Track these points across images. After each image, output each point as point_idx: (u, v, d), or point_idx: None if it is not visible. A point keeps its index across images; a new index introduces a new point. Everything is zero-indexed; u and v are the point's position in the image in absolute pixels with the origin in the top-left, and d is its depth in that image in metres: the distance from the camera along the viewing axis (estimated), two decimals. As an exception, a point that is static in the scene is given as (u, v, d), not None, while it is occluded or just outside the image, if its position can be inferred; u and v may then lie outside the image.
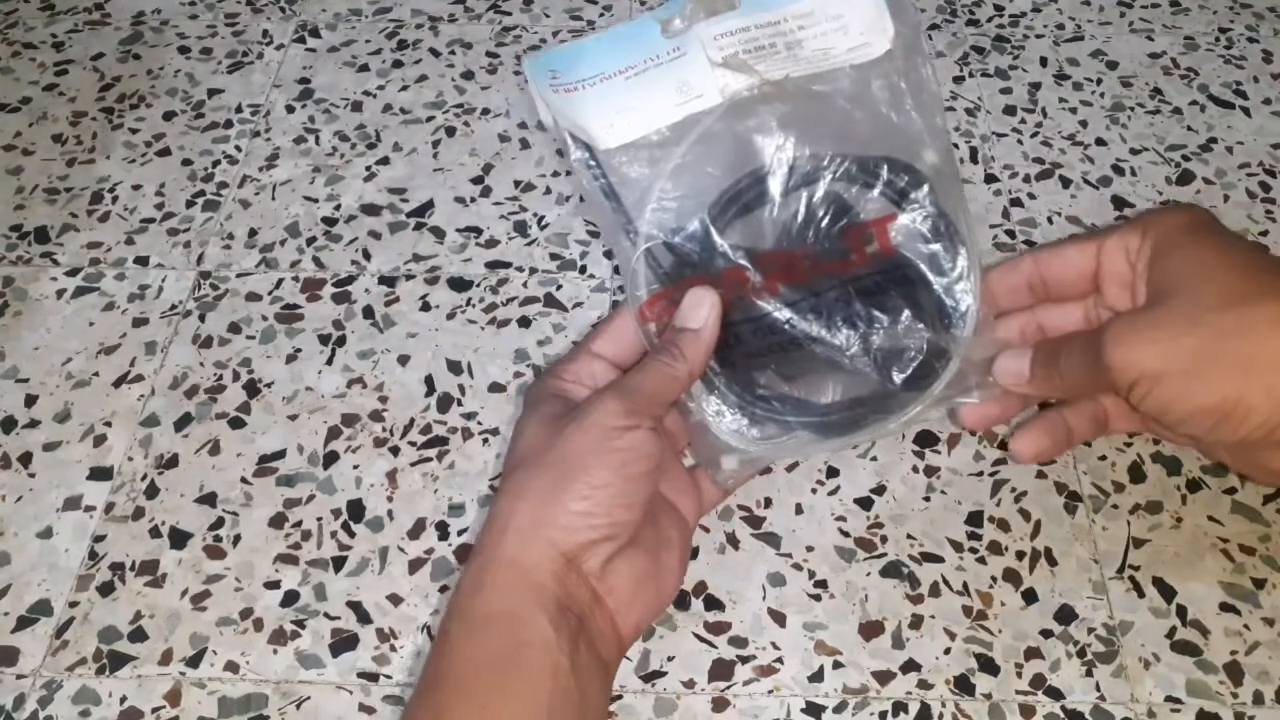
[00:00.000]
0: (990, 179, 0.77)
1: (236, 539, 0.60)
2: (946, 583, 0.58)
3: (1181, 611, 0.56)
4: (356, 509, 0.61)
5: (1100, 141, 0.79)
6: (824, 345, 0.45)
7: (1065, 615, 0.56)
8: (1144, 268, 0.42)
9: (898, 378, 0.46)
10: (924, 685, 0.54)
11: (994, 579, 0.58)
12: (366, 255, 0.73)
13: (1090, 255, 0.45)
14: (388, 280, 0.71)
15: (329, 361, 0.67)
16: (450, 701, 0.37)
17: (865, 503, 0.60)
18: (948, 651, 0.55)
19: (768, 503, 0.60)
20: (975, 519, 0.60)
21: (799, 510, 0.60)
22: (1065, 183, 0.76)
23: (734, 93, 0.43)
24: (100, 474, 0.62)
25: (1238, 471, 0.58)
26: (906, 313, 0.45)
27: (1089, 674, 0.54)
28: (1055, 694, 0.54)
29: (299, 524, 0.60)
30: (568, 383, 0.45)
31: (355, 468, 0.62)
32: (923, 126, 0.44)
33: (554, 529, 0.39)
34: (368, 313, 0.69)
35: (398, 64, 0.85)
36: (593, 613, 0.40)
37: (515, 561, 0.39)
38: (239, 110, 0.82)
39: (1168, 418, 0.40)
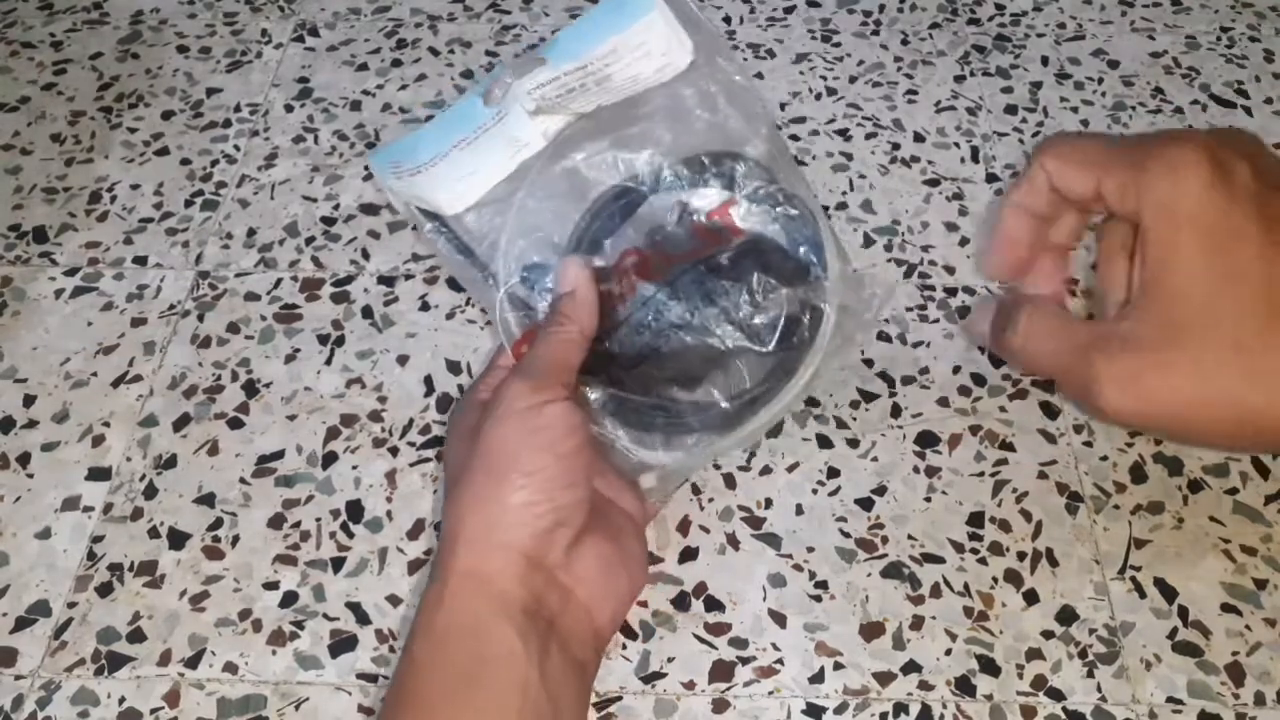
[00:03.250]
0: (991, 178, 0.76)
1: (235, 540, 0.59)
2: (947, 583, 0.57)
3: (1183, 612, 0.56)
4: (355, 509, 0.61)
5: (1101, 141, 0.79)
6: (693, 330, 0.46)
7: (1066, 616, 0.56)
8: (1140, 246, 0.37)
9: (770, 339, 0.46)
10: (925, 686, 0.54)
11: (995, 580, 0.58)
12: (365, 255, 0.72)
13: (1091, 185, 0.39)
14: (387, 280, 0.71)
15: (328, 361, 0.67)
16: None
17: (866, 503, 0.60)
18: (949, 652, 0.55)
19: (768, 503, 0.60)
20: (976, 519, 0.60)
21: (799, 511, 0.60)
22: (1066, 182, 0.76)
23: (555, 132, 0.46)
24: (99, 474, 0.62)
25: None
26: (758, 276, 0.46)
27: (1090, 675, 0.54)
28: (1056, 695, 0.53)
29: (298, 524, 0.60)
30: (482, 394, 0.45)
31: (354, 468, 0.62)
32: (743, 117, 0.47)
33: (502, 530, 0.38)
34: (367, 312, 0.69)
35: (397, 63, 0.85)
36: (564, 611, 0.39)
37: (473, 572, 0.37)
38: (237, 109, 0.82)
39: (1138, 428, 0.39)
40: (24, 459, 0.63)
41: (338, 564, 0.59)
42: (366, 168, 0.77)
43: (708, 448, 0.50)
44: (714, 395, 0.47)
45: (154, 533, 0.60)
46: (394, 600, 0.57)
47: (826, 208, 0.74)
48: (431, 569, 0.40)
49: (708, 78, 0.47)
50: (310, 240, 0.73)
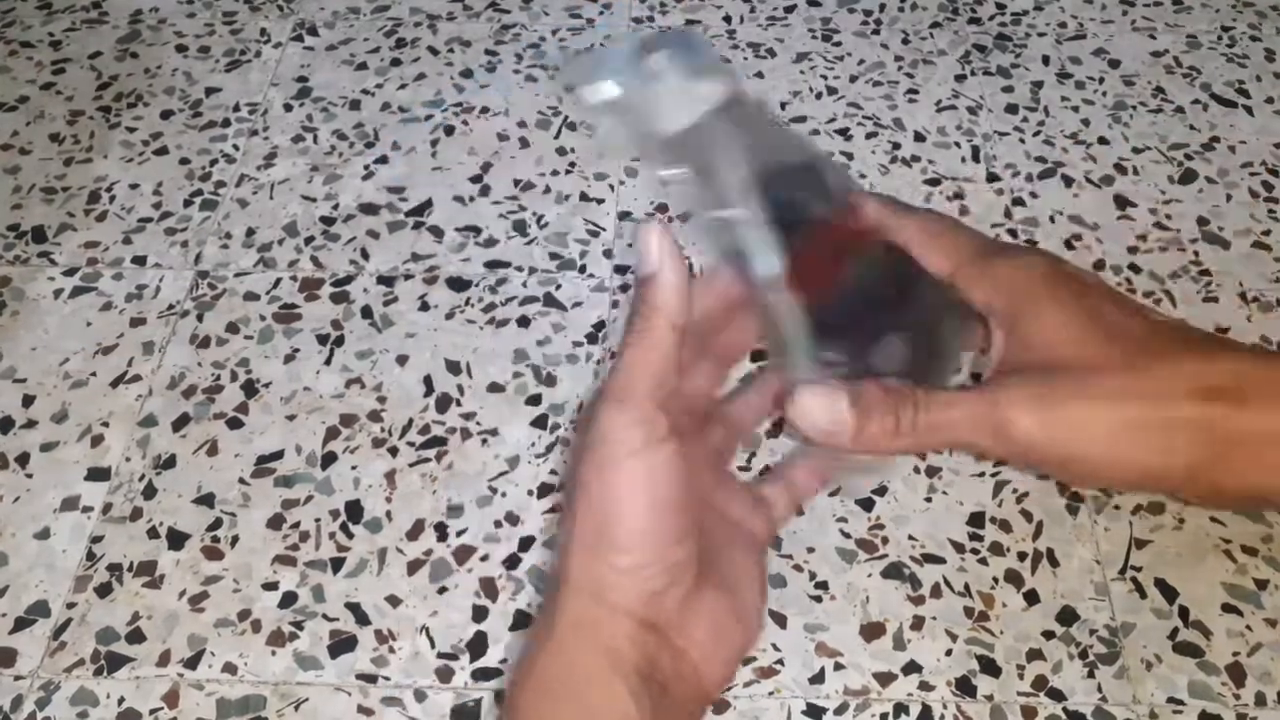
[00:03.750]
0: (992, 178, 0.76)
1: (235, 540, 0.59)
2: (948, 584, 0.57)
3: (1183, 613, 0.56)
4: (355, 510, 0.60)
5: (1102, 140, 0.79)
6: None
7: (1067, 616, 0.56)
8: (998, 325, 0.36)
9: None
10: (925, 687, 0.54)
11: (995, 580, 0.57)
12: (365, 255, 0.72)
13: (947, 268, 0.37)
14: (386, 280, 0.71)
15: (327, 361, 0.67)
16: None
17: (866, 503, 0.60)
18: (949, 653, 0.55)
19: (768, 503, 0.60)
20: (977, 520, 0.60)
21: (799, 511, 0.60)
22: (1068, 181, 0.76)
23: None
24: (98, 474, 0.62)
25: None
26: None
27: (1091, 675, 0.54)
28: (1057, 695, 0.53)
29: (297, 525, 0.60)
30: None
31: (354, 468, 0.62)
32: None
33: (610, 590, 0.35)
34: (366, 312, 0.69)
35: (396, 62, 0.85)
36: (677, 676, 0.35)
37: (584, 625, 0.35)
38: (237, 109, 0.82)
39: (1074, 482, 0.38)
40: (23, 459, 0.63)
41: (337, 564, 0.58)
42: (367, 167, 0.77)
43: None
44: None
45: (153, 533, 0.60)
46: (393, 601, 0.57)
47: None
48: (539, 611, 0.37)
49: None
50: (309, 240, 0.73)
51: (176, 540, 0.59)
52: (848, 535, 0.59)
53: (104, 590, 0.57)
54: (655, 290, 0.35)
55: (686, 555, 0.35)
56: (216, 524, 0.60)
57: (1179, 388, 0.33)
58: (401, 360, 0.67)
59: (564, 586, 0.35)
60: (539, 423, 0.64)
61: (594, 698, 0.34)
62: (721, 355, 0.41)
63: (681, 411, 0.37)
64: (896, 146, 0.78)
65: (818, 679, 0.54)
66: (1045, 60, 0.85)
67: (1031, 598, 0.57)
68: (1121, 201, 0.75)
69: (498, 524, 0.60)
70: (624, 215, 0.73)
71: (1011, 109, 0.81)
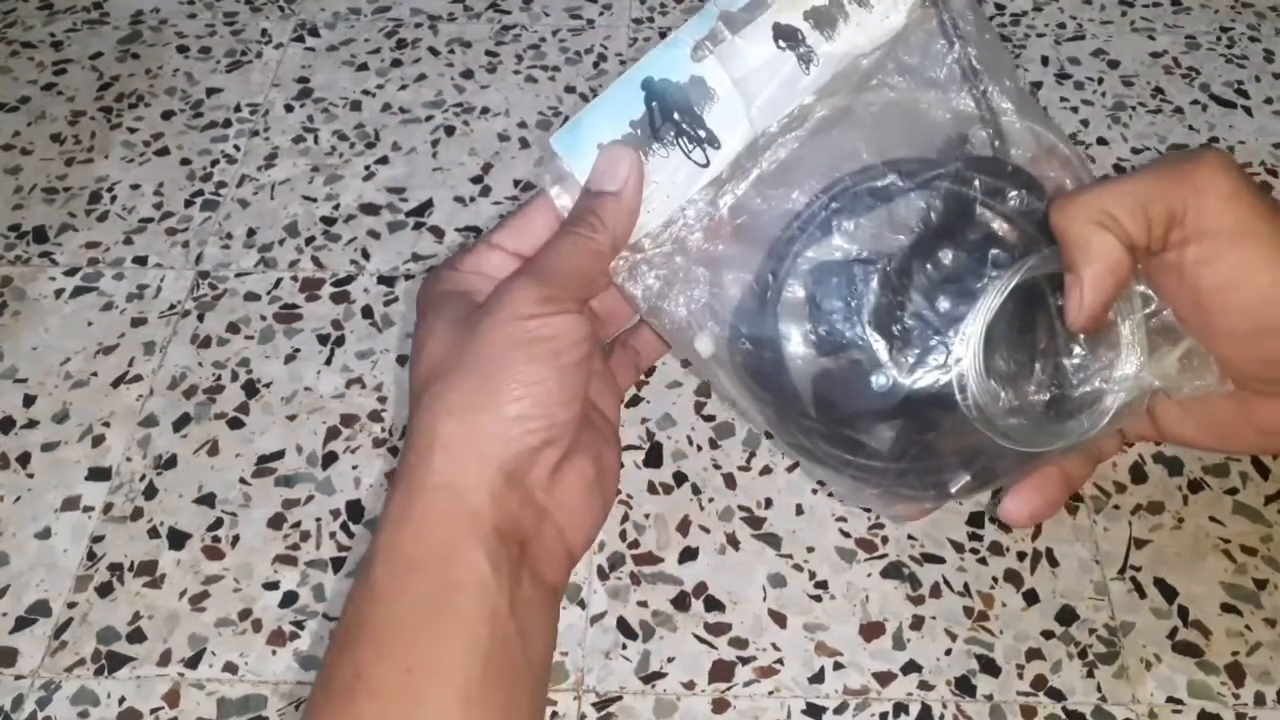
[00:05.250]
0: (991, 178, 0.76)
1: (235, 539, 0.59)
2: (947, 583, 0.57)
3: (1183, 612, 0.56)
4: (355, 509, 0.61)
5: (1102, 141, 0.79)
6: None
7: (1066, 616, 0.56)
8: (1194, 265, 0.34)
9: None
10: (925, 686, 0.54)
11: (995, 580, 0.58)
12: (365, 255, 0.72)
13: (1140, 221, 0.35)
14: (387, 280, 0.71)
15: (328, 361, 0.67)
16: (371, 660, 0.32)
17: (866, 503, 0.60)
18: (949, 652, 0.55)
19: (768, 503, 0.60)
20: (976, 519, 0.60)
21: (799, 511, 0.60)
22: (1066, 182, 0.76)
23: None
24: (99, 474, 0.62)
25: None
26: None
27: (1090, 675, 0.54)
28: (1057, 695, 0.53)
29: (298, 524, 0.60)
30: (465, 273, 0.38)
31: (354, 468, 0.62)
32: (985, 68, 0.37)
33: (489, 442, 0.34)
34: (367, 312, 0.69)
35: (397, 63, 0.85)
36: (538, 534, 0.35)
37: (447, 486, 0.34)
38: (238, 109, 0.82)
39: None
40: (24, 459, 0.63)
41: (338, 564, 0.59)
42: (367, 167, 0.77)
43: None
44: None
45: (154, 533, 0.60)
46: (394, 600, 0.57)
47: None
48: (396, 477, 0.35)
49: (928, 32, 0.37)
50: (310, 240, 0.73)
51: (177, 540, 0.59)
52: (847, 535, 0.59)
53: (105, 590, 0.58)
54: (612, 211, 0.36)
55: (570, 419, 0.35)
56: (217, 524, 0.60)
57: None
58: (402, 360, 0.67)
59: (429, 448, 0.34)
60: (539, 423, 0.64)
61: (451, 566, 0.33)
62: (642, 354, 0.41)
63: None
64: (896, 147, 0.78)
65: (817, 678, 0.54)
66: (1044, 61, 0.85)
67: (1031, 597, 0.57)
68: (1121, 202, 0.75)
69: (498, 524, 0.60)
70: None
71: (1011, 110, 0.81)
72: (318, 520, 0.60)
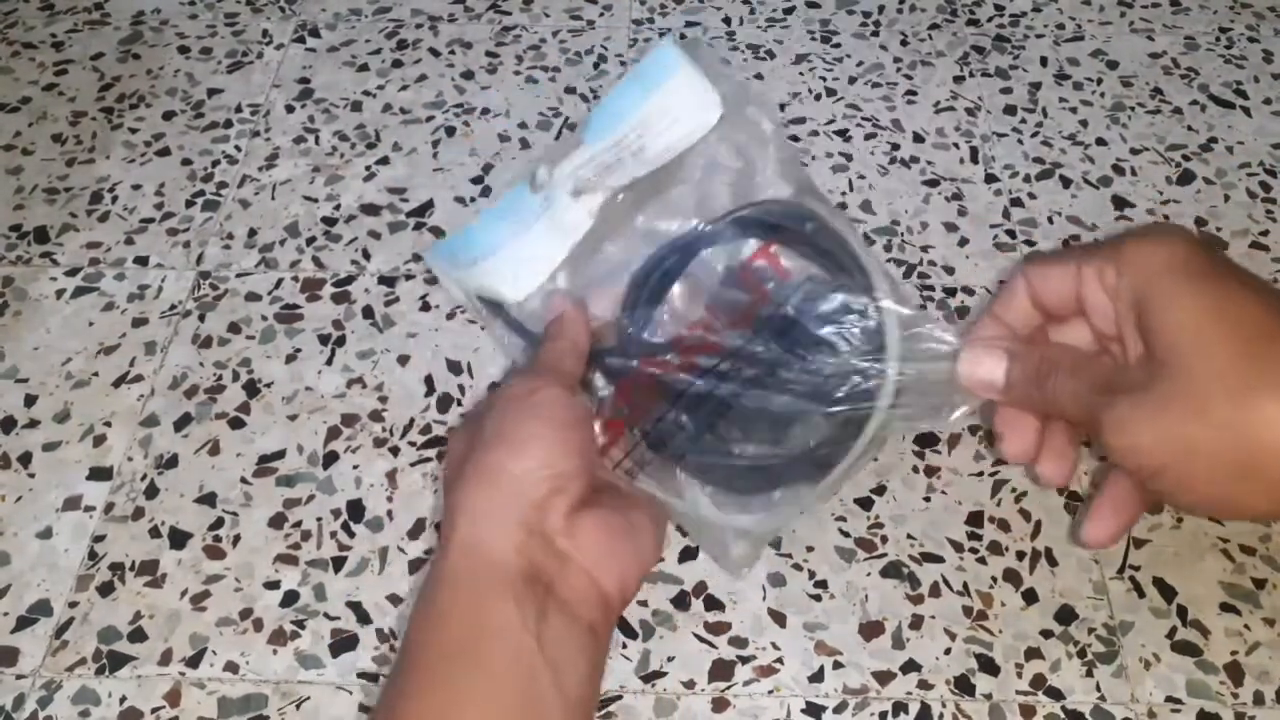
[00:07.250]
0: (990, 179, 0.77)
1: (236, 539, 0.59)
2: (947, 583, 0.57)
3: (1182, 612, 0.56)
4: (356, 509, 0.61)
5: (1101, 141, 0.79)
6: (776, 386, 0.44)
7: (1066, 615, 0.56)
8: (1128, 309, 0.38)
9: (834, 408, 0.44)
10: (924, 685, 0.54)
11: (994, 579, 0.58)
12: (366, 255, 0.73)
13: (1071, 278, 0.41)
14: (387, 280, 0.71)
15: (329, 361, 0.67)
16: (409, 707, 0.36)
17: (865, 503, 0.60)
18: (948, 652, 0.55)
19: (768, 503, 0.60)
20: (975, 519, 0.60)
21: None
22: (1065, 182, 0.76)
23: (596, 209, 0.47)
24: (100, 474, 0.62)
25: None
26: (820, 340, 0.44)
27: (1089, 674, 0.54)
28: (1056, 694, 0.54)
29: (299, 524, 0.60)
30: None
31: (355, 468, 0.62)
32: (776, 163, 0.47)
33: (504, 502, 0.38)
34: (367, 312, 0.69)
35: (397, 64, 0.85)
36: (563, 575, 0.38)
37: (471, 545, 0.38)
38: (239, 110, 0.82)
39: (1172, 501, 0.39)
40: (25, 459, 0.63)
41: (339, 563, 0.59)
42: (368, 168, 0.78)
43: (793, 503, 0.47)
44: (807, 442, 0.45)
45: (155, 532, 0.60)
46: (395, 599, 0.57)
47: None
48: (434, 553, 0.40)
49: (738, 129, 0.47)
50: (311, 240, 0.73)
51: (178, 539, 0.60)
52: (847, 534, 0.59)
53: (106, 589, 0.58)
54: (562, 323, 0.46)
55: (573, 468, 0.39)
56: (218, 523, 0.60)
57: None
58: (403, 360, 0.67)
59: (454, 514, 0.39)
60: (539, 422, 0.64)
61: (481, 613, 0.37)
62: None
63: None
64: (895, 147, 0.79)
65: (817, 677, 0.54)
66: (1043, 61, 0.85)
67: (1030, 597, 0.57)
68: (1120, 202, 0.75)
69: (498, 523, 0.60)
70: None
71: (1010, 110, 0.81)
72: (319, 520, 0.60)
